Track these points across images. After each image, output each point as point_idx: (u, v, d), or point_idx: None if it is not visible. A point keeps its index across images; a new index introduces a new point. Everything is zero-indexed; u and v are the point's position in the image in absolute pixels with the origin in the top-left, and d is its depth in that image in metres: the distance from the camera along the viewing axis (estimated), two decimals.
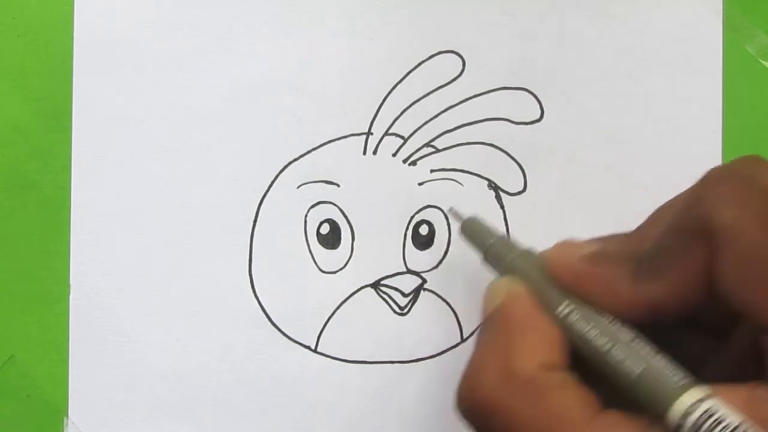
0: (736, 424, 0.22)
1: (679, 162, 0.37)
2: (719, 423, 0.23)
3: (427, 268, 0.36)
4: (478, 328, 0.35)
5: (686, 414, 0.23)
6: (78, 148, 0.35)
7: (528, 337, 0.26)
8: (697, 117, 0.37)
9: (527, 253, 0.29)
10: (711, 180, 0.24)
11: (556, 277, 0.27)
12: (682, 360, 0.25)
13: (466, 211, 0.32)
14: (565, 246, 0.27)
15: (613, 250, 0.27)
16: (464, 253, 0.36)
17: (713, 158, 0.37)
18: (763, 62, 0.37)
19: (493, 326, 0.27)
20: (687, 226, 0.24)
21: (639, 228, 0.28)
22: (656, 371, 0.24)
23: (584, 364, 0.26)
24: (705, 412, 0.23)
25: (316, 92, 0.36)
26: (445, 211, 0.36)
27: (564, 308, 0.27)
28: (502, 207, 0.36)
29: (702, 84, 0.37)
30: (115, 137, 0.35)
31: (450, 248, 0.36)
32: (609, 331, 0.26)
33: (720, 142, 0.37)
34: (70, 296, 0.35)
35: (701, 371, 0.24)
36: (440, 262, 0.36)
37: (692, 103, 0.37)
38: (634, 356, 0.25)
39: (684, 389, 0.24)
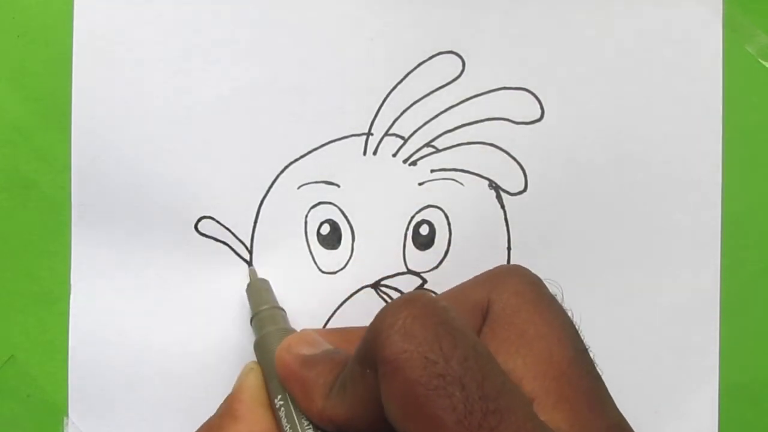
0: None
1: (679, 162, 0.37)
2: None
3: (428, 269, 0.36)
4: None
5: None
6: (78, 148, 0.35)
7: (235, 429, 0.29)
8: (697, 117, 0.37)
9: (282, 332, 0.31)
10: (385, 309, 0.24)
11: (278, 369, 0.29)
12: None
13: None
14: (297, 338, 0.30)
15: (327, 358, 0.28)
16: (464, 254, 0.36)
17: (713, 158, 0.37)
18: (763, 62, 0.37)
19: (220, 410, 0.31)
20: (362, 354, 0.25)
21: None
22: None
23: None
24: None
25: (316, 92, 0.36)
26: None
27: (278, 401, 0.29)
28: (503, 207, 0.36)
29: (702, 84, 0.37)
30: (115, 137, 0.35)
31: (450, 249, 0.36)
32: None
33: (720, 142, 0.37)
34: (70, 296, 0.35)
35: None
36: (440, 262, 0.36)
37: (692, 103, 0.37)
38: None
39: None
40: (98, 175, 0.35)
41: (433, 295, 0.25)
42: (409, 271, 0.36)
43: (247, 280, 0.35)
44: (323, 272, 0.36)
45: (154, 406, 0.35)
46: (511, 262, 0.36)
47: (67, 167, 0.35)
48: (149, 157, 0.35)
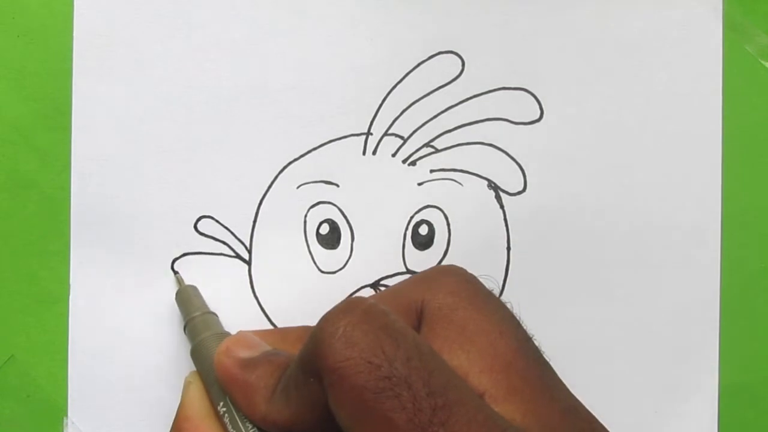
0: None
1: (679, 162, 0.37)
2: None
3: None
4: None
5: None
6: (78, 148, 0.35)
7: None
8: (697, 117, 0.37)
9: (218, 337, 0.30)
10: (324, 318, 0.24)
11: (217, 374, 0.28)
12: None
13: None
14: (234, 340, 0.29)
15: (267, 360, 0.28)
16: (464, 254, 0.36)
17: (713, 158, 0.37)
18: (763, 62, 0.37)
19: (173, 428, 0.30)
20: (305, 363, 0.24)
21: None
22: None
23: None
24: None
25: (316, 92, 0.36)
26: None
27: (221, 408, 0.28)
28: (502, 207, 0.36)
29: (702, 84, 0.37)
30: (115, 137, 0.35)
31: (450, 249, 0.36)
32: None
33: (720, 142, 0.37)
34: (70, 296, 0.35)
35: None
36: (440, 262, 0.36)
37: (692, 103, 0.37)
38: None
39: None
40: (98, 175, 0.35)
41: (370, 299, 0.25)
42: (409, 271, 0.36)
43: (175, 288, 0.34)
44: (322, 272, 0.36)
45: (154, 406, 0.35)
46: (511, 262, 0.36)
47: (67, 167, 0.35)
48: (149, 157, 0.35)
